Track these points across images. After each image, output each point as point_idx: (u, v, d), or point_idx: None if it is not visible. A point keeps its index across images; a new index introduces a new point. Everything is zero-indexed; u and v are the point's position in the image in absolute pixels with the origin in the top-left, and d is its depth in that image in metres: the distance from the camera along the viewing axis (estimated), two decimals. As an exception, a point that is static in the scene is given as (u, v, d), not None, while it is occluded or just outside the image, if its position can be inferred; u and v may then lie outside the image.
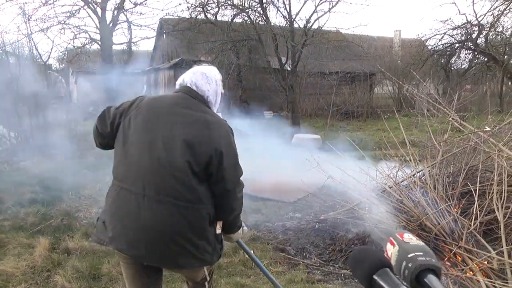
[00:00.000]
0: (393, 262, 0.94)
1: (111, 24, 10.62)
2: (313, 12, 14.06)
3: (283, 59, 14.56)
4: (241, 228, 2.57)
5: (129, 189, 2.17)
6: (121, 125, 2.30)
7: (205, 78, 2.39)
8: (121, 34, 12.64)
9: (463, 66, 22.11)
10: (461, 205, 4.45)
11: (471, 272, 3.70)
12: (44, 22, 10.33)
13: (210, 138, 2.18)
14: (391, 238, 0.98)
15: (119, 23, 10.91)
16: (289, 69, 14.78)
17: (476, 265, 3.68)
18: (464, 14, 23.74)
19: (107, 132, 2.35)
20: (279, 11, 14.46)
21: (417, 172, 5.08)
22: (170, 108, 2.27)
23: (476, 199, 4.26)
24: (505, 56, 18.26)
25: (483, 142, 4.76)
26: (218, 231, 2.34)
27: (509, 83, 24.13)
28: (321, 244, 4.66)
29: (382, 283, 0.89)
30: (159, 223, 2.14)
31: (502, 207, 4.04)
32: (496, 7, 16.68)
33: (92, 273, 3.97)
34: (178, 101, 2.31)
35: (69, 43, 10.64)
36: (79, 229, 5.04)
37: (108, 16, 10.67)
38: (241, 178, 2.33)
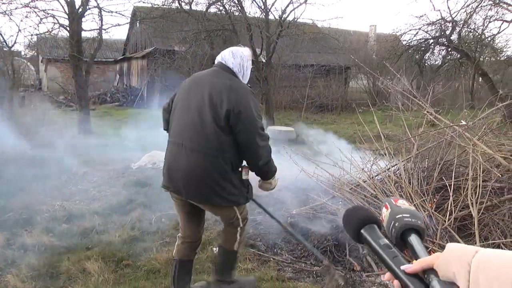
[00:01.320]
0: (384, 224, 0.98)
1: (80, 9, 10.15)
2: (289, 3, 13.86)
3: (258, 50, 14.32)
4: (275, 177, 3.10)
5: (174, 141, 2.92)
6: (174, 101, 3.06)
7: (231, 53, 2.97)
8: (91, 21, 12.19)
9: (436, 62, 22.33)
10: (435, 200, 4.34)
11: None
12: (8, 4, 9.76)
13: (229, 98, 2.74)
14: (386, 203, 1.01)
15: (89, 9, 10.43)
16: (263, 60, 14.57)
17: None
18: (439, 10, 24.00)
19: (168, 109, 3.12)
20: (255, 1, 14.20)
21: (392, 166, 4.96)
22: (203, 78, 2.96)
23: (451, 194, 4.16)
24: (477, 53, 18.44)
25: (458, 136, 4.67)
26: (244, 177, 2.94)
27: (479, 79, 24.56)
28: (292, 239, 4.49)
29: (367, 236, 0.95)
30: (192, 167, 2.79)
31: (476, 203, 3.95)
32: (469, 4, 16.80)
33: (49, 271, 3.71)
34: (209, 72, 2.99)
35: (35, 28, 10.10)
36: (40, 223, 4.74)
37: (77, 0, 10.20)
38: (267, 139, 2.88)
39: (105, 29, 11.17)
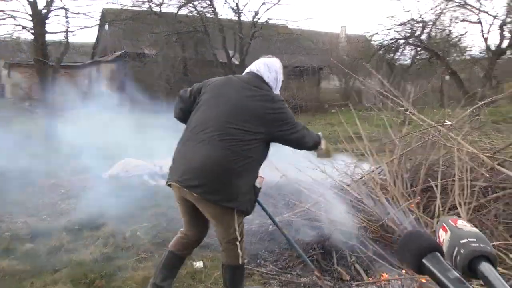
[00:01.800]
0: (445, 248, 0.90)
1: (44, 10, 9.68)
2: (262, 4, 13.66)
3: (231, 53, 14.08)
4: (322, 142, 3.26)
5: (195, 134, 2.90)
6: (198, 99, 3.04)
7: (267, 67, 3.01)
8: (57, 23, 11.59)
9: (406, 62, 22.56)
10: (423, 203, 4.18)
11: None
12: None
13: (273, 109, 2.87)
14: (444, 224, 0.93)
15: (54, 10, 9.96)
16: (237, 62, 14.32)
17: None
18: (409, 11, 24.19)
19: (186, 98, 3.12)
20: (227, 2, 13.97)
21: (376, 168, 4.78)
22: (240, 84, 2.97)
23: (438, 195, 4.01)
24: (446, 53, 18.68)
25: (443, 136, 4.53)
26: (258, 185, 2.94)
27: (446, 78, 24.97)
28: (276, 249, 4.26)
29: (431, 267, 0.86)
30: (213, 158, 2.78)
31: (464, 204, 3.81)
32: (437, 5, 17.06)
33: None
34: (247, 80, 2.98)
35: (-6, 31, 9.54)
36: (-1, 245, 4.34)
37: (41, 1, 9.73)
38: (302, 126, 3.05)
39: (72, 32, 10.70)
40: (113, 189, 6.43)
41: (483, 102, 4.89)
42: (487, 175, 3.93)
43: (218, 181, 2.76)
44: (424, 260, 0.87)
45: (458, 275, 0.82)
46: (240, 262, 3.05)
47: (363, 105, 21.57)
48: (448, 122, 4.43)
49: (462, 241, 0.86)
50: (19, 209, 5.56)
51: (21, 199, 5.94)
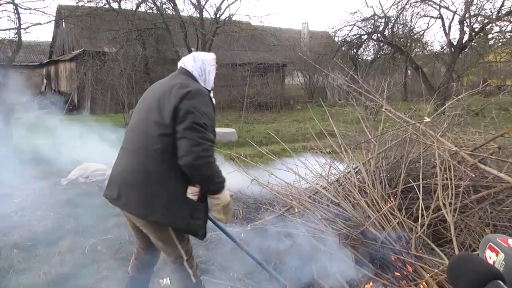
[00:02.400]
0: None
1: (-11, 5, 8.99)
2: (224, -1, 13.28)
3: (193, 50, 13.63)
4: (223, 190, 2.53)
5: (122, 147, 2.69)
6: None
7: (192, 57, 2.73)
8: (7, 20, 10.86)
9: (368, 57, 22.64)
10: (404, 205, 3.94)
11: (424, 284, 3.20)
12: None
13: (176, 95, 2.43)
14: (492, 245, 0.88)
15: (1, 4, 9.25)
16: (200, 59, 13.89)
17: (431, 277, 3.16)
18: (371, 6, 24.30)
19: None
20: (188, -3, 13.49)
21: (353, 169, 4.52)
22: (160, 82, 2.74)
23: (420, 197, 3.78)
24: (408, 48, 18.81)
25: (422, 134, 4.32)
26: (189, 195, 2.47)
27: (409, 72, 25.26)
28: (248, 260, 3.92)
29: None
30: (130, 168, 2.53)
31: (449, 205, 3.59)
32: (399, 1, 17.11)
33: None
34: (168, 77, 2.76)
35: None
36: None
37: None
38: (206, 139, 2.39)
39: (24, 29, 9.99)
40: (71, 197, 5.97)
41: (460, 97, 4.71)
42: (472, 174, 3.72)
43: (132, 191, 2.49)
44: None
45: None
46: (194, 281, 2.71)
47: (329, 101, 21.65)
48: (427, 119, 4.20)
49: None
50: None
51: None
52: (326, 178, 4.57)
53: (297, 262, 3.69)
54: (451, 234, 3.44)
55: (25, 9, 9.76)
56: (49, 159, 8.61)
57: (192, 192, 2.48)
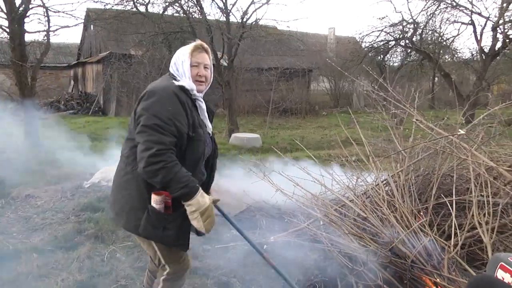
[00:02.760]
0: None
1: (21, 8, 9.08)
2: (251, 3, 13.18)
3: (219, 54, 13.59)
4: (195, 196, 2.24)
5: None
6: None
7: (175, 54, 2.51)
8: (37, 22, 11.03)
9: (395, 64, 22.27)
10: (436, 222, 3.73)
11: (458, 309, 2.99)
12: None
13: (141, 99, 2.32)
14: (504, 265, 0.79)
15: (32, 7, 9.35)
16: (225, 64, 13.84)
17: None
18: (400, 12, 23.90)
19: None
20: (214, 1, 13.46)
21: (381, 182, 4.33)
22: None
23: (453, 214, 3.57)
24: (438, 55, 18.41)
25: (455, 146, 4.10)
26: (154, 204, 2.29)
27: (436, 79, 24.74)
28: (272, 274, 3.77)
29: None
30: (114, 178, 2.52)
31: (486, 224, 3.37)
32: (428, 7, 16.78)
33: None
34: None
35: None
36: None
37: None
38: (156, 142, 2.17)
39: (53, 31, 10.08)
40: (92, 201, 5.93)
41: (497, 108, 4.45)
42: (510, 192, 3.49)
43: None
44: None
45: None
46: None
47: (355, 107, 21.35)
48: (461, 131, 3.99)
49: None
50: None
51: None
52: (353, 190, 4.38)
53: (322, 278, 3.53)
54: (487, 255, 3.24)
55: (54, 12, 9.85)
56: (73, 160, 8.64)
57: (155, 201, 2.28)
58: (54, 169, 7.74)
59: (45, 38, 10.28)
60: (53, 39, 11.13)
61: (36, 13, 9.67)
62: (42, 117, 16.97)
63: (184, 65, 2.42)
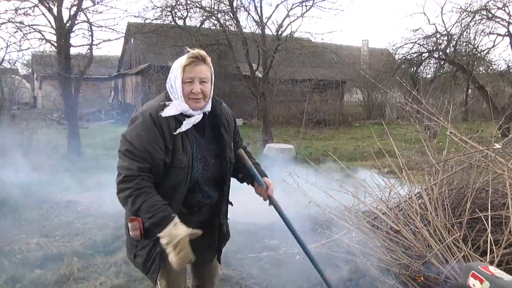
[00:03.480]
0: None
1: (68, 24, 9.46)
2: (286, 17, 13.26)
3: (254, 66, 13.70)
4: (167, 228, 1.98)
5: None
6: None
7: None
8: (82, 36, 11.56)
9: (428, 76, 21.83)
10: (470, 237, 3.64)
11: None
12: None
13: None
14: (475, 273, 0.84)
15: (78, 23, 9.74)
16: (260, 75, 13.93)
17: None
18: (434, 24, 23.46)
19: None
20: (250, 14, 13.59)
21: (414, 195, 4.25)
22: None
23: (489, 229, 3.46)
24: (472, 66, 17.98)
25: (490, 161, 3.99)
26: (130, 230, 2.15)
27: (469, 91, 24.09)
28: (304, 284, 3.77)
29: None
30: None
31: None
32: (463, 19, 16.44)
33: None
34: None
35: (19, 44, 9.36)
36: (6, 271, 3.92)
37: (65, 15, 9.51)
38: (124, 168, 2.05)
39: (95, 45, 10.44)
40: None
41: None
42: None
43: None
44: None
45: None
46: None
47: (387, 119, 21.04)
48: (497, 146, 3.88)
49: None
50: (34, 228, 5.24)
51: (37, 218, 5.60)
52: (386, 203, 4.32)
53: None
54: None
55: (98, 27, 10.21)
56: (112, 167, 8.85)
57: (130, 227, 2.15)
58: (94, 176, 7.96)
59: (88, 51, 10.66)
60: (96, 52, 11.55)
61: (81, 28, 10.00)
62: (84, 126, 17.56)
63: (177, 82, 2.16)
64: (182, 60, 2.16)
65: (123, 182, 2.02)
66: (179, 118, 2.13)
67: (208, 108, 2.26)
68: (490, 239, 3.40)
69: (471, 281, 0.84)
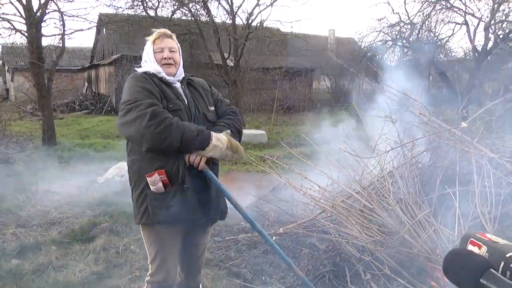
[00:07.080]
0: None
1: (38, 13, 9.04)
2: (256, 5, 13.08)
3: (226, 54, 13.51)
4: (211, 139, 2.10)
5: None
6: None
7: None
8: (53, 26, 11.04)
9: (393, 63, 22.04)
10: (440, 213, 3.65)
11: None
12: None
13: None
14: (473, 239, 0.88)
15: (48, 12, 9.32)
16: (232, 64, 13.75)
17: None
18: (398, 13, 23.63)
19: None
20: (221, 4, 13.36)
21: (386, 174, 4.23)
22: None
23: (457, 204, 3.47)
24: (434, 54, 18.22)
25: (458, 139, 4.01)
26: (150, 186, 2.12)
27: (430, 78, 24.50)
28: (282, 263, 3.71)
29: (494, 286, 0.80)
30: None
31: (487, 213, 3.28)
32: (424, 8, 16.60)
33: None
34: None
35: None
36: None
37: (35, 4, 9.10)
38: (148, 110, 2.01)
39: (67, 35, 10.04)
40: (107, 195, 5.88)
41: (496, 102, 4.37)
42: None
43: None
44: (482, 281, 0.81)
45: None
46: None
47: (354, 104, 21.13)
48: (464, 124, 3.90)
49: (508, 255, 0.82)
50: (10, 218, 4.99)
51: (13, 207, 5.35)
52: (359, 182, 4.29)
53: (331, 268, 3.45)
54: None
55: (69, 16, 9.79)
56: (88, 157, 8.61)
57: (150, 182, 2.08)
58: (70, 166, 7.71)
59: (61, 41, 10.25)
60: (68, 43, 11.19)
61: (52, 18, 9.59)
62: (58, 116, 17.03)
63: (149, 54, 2.31)
64: (151, 36, 2.35)
65: (154, 118, 1.98)
66: (160, 79, 2.24)
67: (180, 76, 2.35)
68: (458, 213, 3.42)
69: (470, 247, 0.85)
